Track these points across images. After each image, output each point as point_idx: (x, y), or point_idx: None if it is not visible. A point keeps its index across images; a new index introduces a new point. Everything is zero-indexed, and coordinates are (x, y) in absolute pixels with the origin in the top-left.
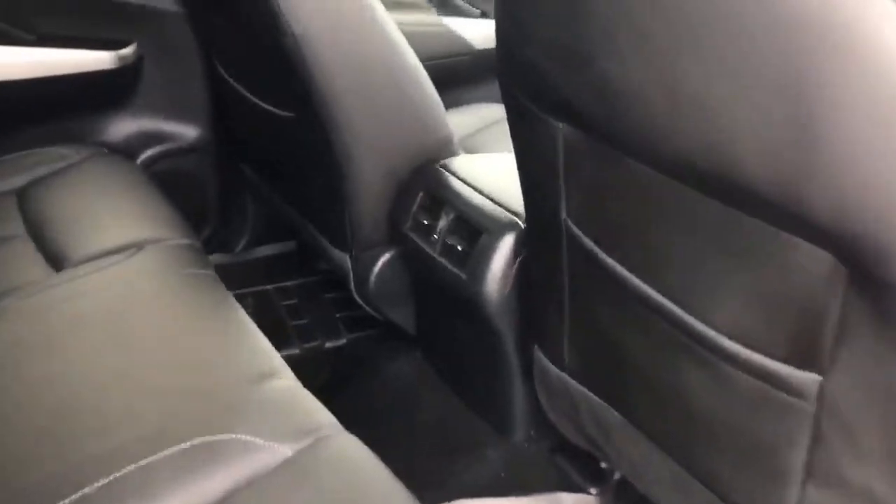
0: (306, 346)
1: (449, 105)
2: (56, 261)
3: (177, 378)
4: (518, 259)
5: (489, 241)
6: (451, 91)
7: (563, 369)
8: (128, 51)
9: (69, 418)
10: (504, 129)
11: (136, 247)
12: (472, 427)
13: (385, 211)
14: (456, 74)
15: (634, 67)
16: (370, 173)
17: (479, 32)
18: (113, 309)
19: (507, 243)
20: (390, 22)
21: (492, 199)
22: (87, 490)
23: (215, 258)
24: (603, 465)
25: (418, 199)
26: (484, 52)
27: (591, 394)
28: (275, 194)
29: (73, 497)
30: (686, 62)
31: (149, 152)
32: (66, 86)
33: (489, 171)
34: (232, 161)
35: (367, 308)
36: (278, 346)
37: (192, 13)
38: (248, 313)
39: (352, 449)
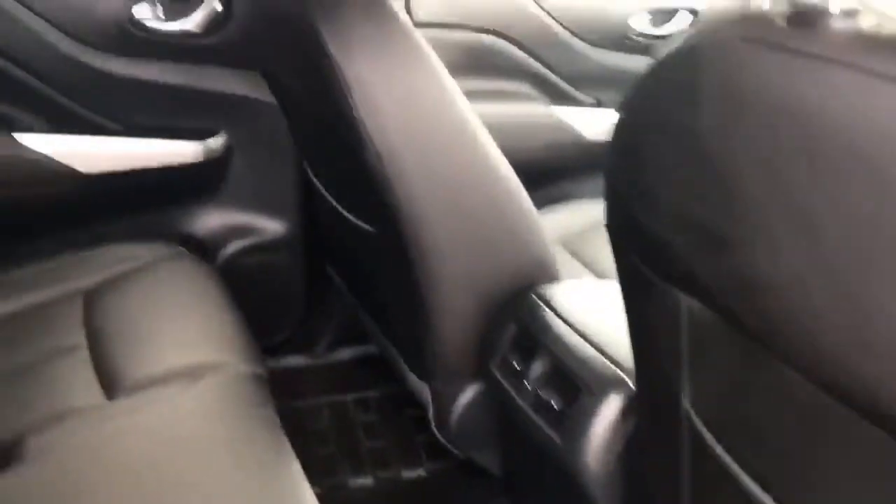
0: (381, 475)
1: (555, 199)
2: (110, 385)
3: None
4: (625, 429)
5: (590, 403)
6: (557, 184)
7: None
8: (216, 141)
9: None
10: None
11: (196, 375)
12: None
13: (472, 341)
14: (563, 167)
15: (796, 263)
16: (456, 299)
17: (591, 122)
18: (158, 457)
19: (611, 408)
20: (484, 133)
21: (596, 347)
22: None
23: (295, 360)
24: None
25: (510, 333)
26: (595, 144)
27: None
28: (357, 303)
29: None
30: (877, 280)
31: (232, 246)
32: (153, 177)
33: (595, 307)
34: (318, 259)
35: (447, 444)
36: (351, 473)
37: (283, 106)
38: (323, 427)
39: None
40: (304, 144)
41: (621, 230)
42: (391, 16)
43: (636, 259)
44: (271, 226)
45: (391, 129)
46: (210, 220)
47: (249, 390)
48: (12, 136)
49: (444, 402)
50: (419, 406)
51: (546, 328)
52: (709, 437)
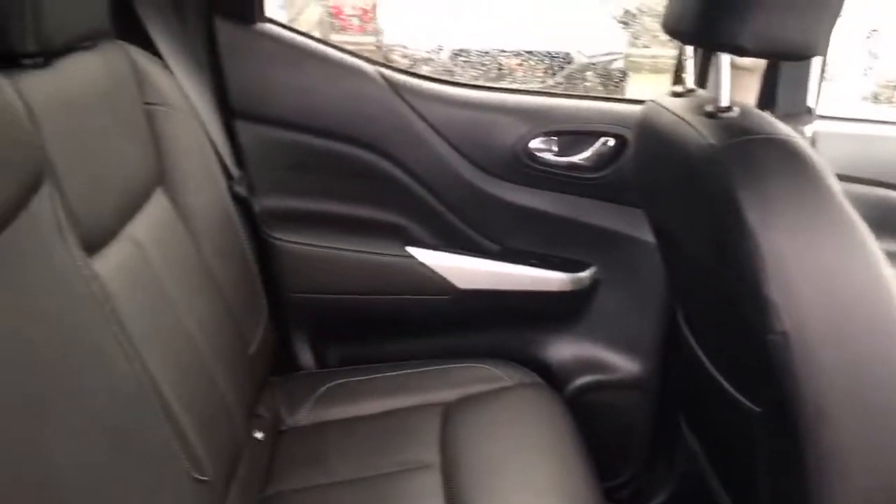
0: None
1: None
2: None
3: None
4: None
5: None
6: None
7: None
8: (586, 274)
9: None
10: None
11: None
12: None
13: None
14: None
15: None
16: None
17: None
18: None
19: None
20: None
21: None
22: None
23: None
24: None
25: None
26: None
27: None
28: (708, 467)
29: None
30: None
31: (583, 379)
32: (517, 301)
33: None
34: (671, 406)
35: None
36: None
37: (662, 246)
38: None
39: None
40: (679, 290)
41: None
42: (818, 178)
43: None
44: (626, 364)
45: (805, 312)
46: (565, 349)
47: None
48: (405, 249)
49: None
50: None
51: None
52: None
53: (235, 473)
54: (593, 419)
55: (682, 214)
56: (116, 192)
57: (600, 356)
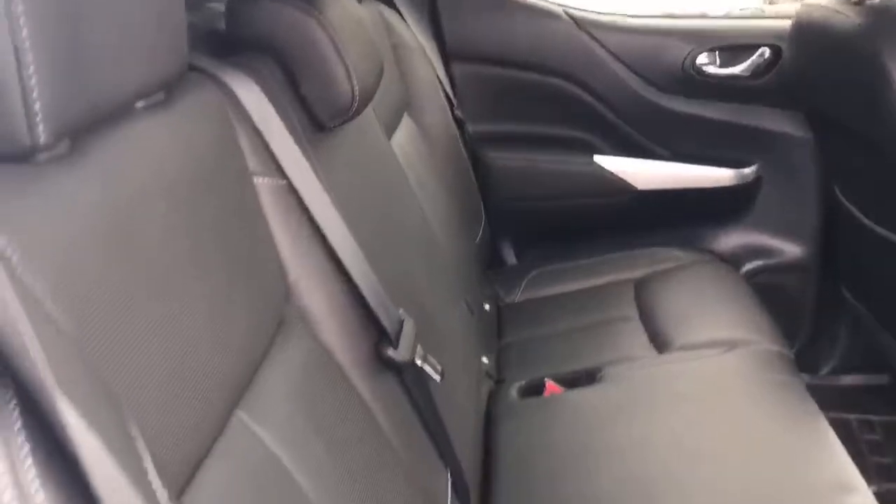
0: (886, 485)
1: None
2: (660, 345)
3: (757, 464)
4: None
5: None
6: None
7: None
8: (749, 171)
9: (651, 478)
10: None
11: (730, 345)
12: None
13: None
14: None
15: None
16: None
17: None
18: (703, 395)
19: None
20: None
21: None
22: None
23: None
24: None
25: None
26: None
27: None
28: (873, 320)
29: None
30: None
31: (751, 265)
32: (689, 197)
33: None
34: (831, 282)
35: None
36: None
37: (817, 138)
38: None
39: None
40: (839, 171)
41: None
42: None
43: None
44: (790, 248)
45: None
46: (734, 238)
47: (780, 364)
48: (592, 158)
49: None
50: None
51: None
52: None
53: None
54: (762, 300)
55: (839, 91)
56: (384, 111)
57: (766, 243)
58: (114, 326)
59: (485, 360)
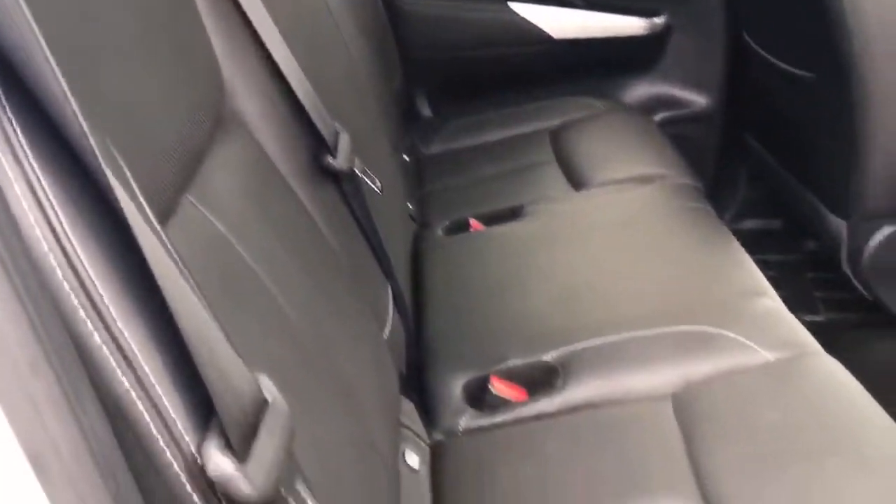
0: None
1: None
2: (577, 183)
3: (675, 276)
4: None
5: None
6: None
7: None
8: (659, 20)
9: (578, 293)
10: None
11: (644, 180)
12: None
13: (894, 179)
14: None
15: None
16: (886, 139)
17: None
18: (621, 222)
19: None
20: None
21: None
22: (583, 344)
23: None
24: None
25: None
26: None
27: None
28: (773, 162)
29: (574, 347)
30: None
31: (660, 115)
32: (602, 47)
33: None
34: (735, 131)
35: (855, 281)
36: None
37: None
38: None
39: (837, 372)
40: (751, 14)
41: None
42: None
43: None
44: (697, 99)
45: None
46: (645, 89)
47: (691, 193)
48: (507, 4)
49: (859, 237)
50: (819, 269)
51: None
52: None
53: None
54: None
55: None
56: None
57: (675, 93)
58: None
59: (409, 205)
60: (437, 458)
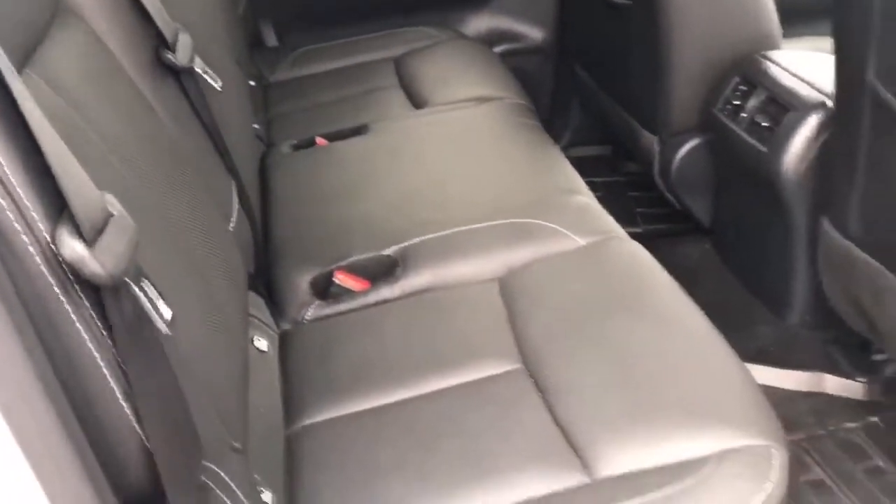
0: None
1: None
2: (418, 103)
3: (502, 179)
4: (821, 139)
5: (795, 119)
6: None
7: (847, 237)
8: None
9: (415, 196)
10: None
11: (481, 100)
12: (748, 307)
13: (699, 97)
14: None
15: None
16: (690, 60)
17: None
18: (458, 136)
19: (812, 121)
20: None
21: (804, 81)
22: (420, 238)
23: None
24: (875, 357)
25: (732, 83)
26: None
27: (871, 259)
28: (598, 89)
29: (412, 241)
30: None
31: (500, 48)
32: None
33: (809, 62)
34: (568, 65)
35: (667, 193)
36: None
37: None
38: None
39: (637, 251)
40: None
41: None
42: None
43: None
44: (532, 32)
45: None
46: (484, 21)
47: (523, 111)
48: None
49: (668, 152)
50: (640, 189)
51: (764, 73)
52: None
53: None
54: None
55: None
56: None
57: (513, 27)
58: None
59: (255, 126)
60: (285, 345)
